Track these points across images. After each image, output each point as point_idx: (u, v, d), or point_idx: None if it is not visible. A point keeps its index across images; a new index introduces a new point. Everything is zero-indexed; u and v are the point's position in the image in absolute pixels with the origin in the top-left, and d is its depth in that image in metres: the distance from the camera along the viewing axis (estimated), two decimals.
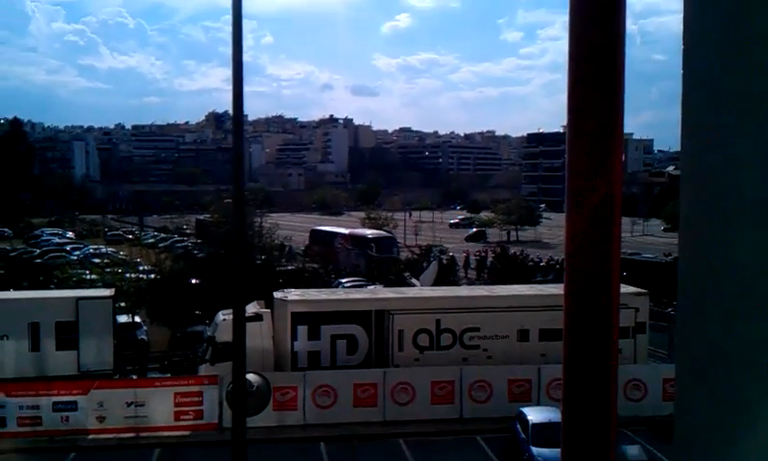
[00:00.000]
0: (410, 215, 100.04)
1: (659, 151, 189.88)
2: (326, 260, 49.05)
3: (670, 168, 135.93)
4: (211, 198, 45.51)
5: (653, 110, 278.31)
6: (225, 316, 23.52)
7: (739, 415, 1.40)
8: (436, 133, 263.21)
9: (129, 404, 22.06)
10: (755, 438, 1.37)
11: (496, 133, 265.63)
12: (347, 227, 71.99)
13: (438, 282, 37.20)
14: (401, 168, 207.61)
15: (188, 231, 62.73)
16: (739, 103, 1.40)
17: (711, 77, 1.46)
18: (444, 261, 50.52)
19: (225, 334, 22.69)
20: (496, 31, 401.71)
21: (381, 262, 49.23)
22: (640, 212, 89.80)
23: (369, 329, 24.50)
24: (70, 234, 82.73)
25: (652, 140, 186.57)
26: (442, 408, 23.28)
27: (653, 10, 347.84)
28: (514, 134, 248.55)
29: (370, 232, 64.65)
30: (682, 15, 1.52)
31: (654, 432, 20.58)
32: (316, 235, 66.92)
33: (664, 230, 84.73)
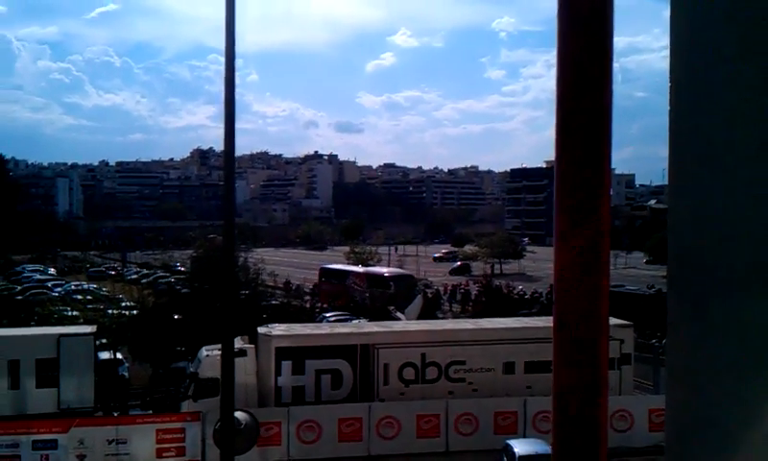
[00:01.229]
0: (396, 249, 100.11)
1: (640, 185, 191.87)
2: (339, 299, 47.42)
3: (652, 202, 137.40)
4: (196, 234, 45.41)
5: (634, 146, 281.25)
6: (208, 352, 23.36)
7: (730, 446, 1.43)
8: (420, 168, 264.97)
9: (110, 442, 21.74)
10: None
11: (480, 169, 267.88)
12: (341, 262, 71.69)
13: (424, 316, 37.15)
14: (385, 203, 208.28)
15: (180, 268, 62.02)
16: (726, 131, 1.45)
17: (698, 107, 1.51)
18: (429, 295, 50.47)
19: (208, 370, 22.56)
20: (479, 69, 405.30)
21: (402, 302, 44.78)
22: (623, 245, 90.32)
23: (354, 364, 24.39)
24: (52, 271, 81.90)
25: (634, 175, 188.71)
26: (427, 442, 23.13)
27: (634, 48, 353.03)
28: (497, 170, 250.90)
29: (386, 271, 61.03)
30: (668, 52, 1.58)
31: None
32: (326, 273, 63.24)
33: (647, 262, 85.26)
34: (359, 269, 61.90)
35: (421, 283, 57.12)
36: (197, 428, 22.01)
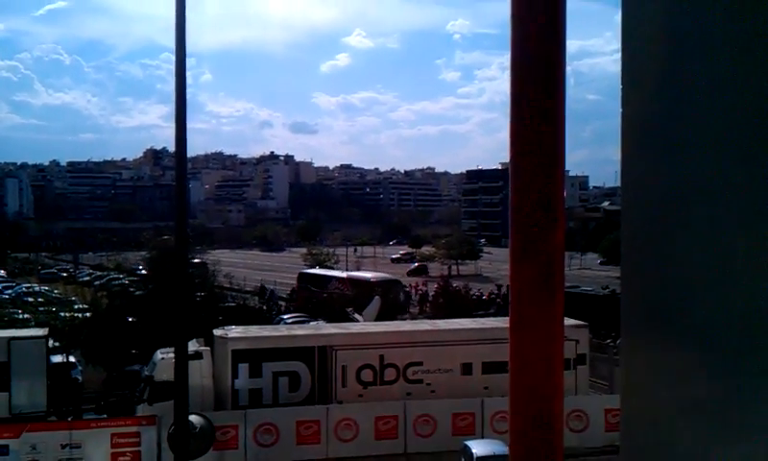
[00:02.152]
0: (355, 251, 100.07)
1: (594, 187, 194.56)
2: (321, 306, 45.07)
3: (605, 204, 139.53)
4: (150, 235, 44.70)
5: (588, 148, 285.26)
6: (163, 355, 23.05)
7: (685, 445, 1.45)
8: (377, 169, 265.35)
9: (63, 447, 21.32)
10: None
11: (436, 170, 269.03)
12: (299, 265, 71.18)
13: (385, 317, 37.16)
14: (342, 204, 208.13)
15: (137, 269, 60.70)
16: (677, 133, 1.48)
17: (649, 109, 1.54)
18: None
19: (163, 373, 22.24)
20: (435, 71, 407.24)
21: (390, 308, 42.53)
22: (577, 246, 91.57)
23: (311, 366, 24.29)
24: (2, 273, 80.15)
25: (587, 177, 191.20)
26: (386, 444, 23.14)
27: (586, 52, 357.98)
28: (453, 171, 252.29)
29: (372, 275, 57.91)
30: (619, 56, 1.60)
31: None
32: (305, 279, 60.04)
33: (601, 263, 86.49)
34: (342, 274, 59.18)
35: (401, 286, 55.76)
36: (152, 432, 21.72)
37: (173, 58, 10.72)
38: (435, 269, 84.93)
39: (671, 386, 1.47)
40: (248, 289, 55.79)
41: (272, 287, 57.68)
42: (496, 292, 56.06)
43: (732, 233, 1.34)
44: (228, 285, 48.83)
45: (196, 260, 65.57)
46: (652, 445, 1.53)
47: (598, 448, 22.02)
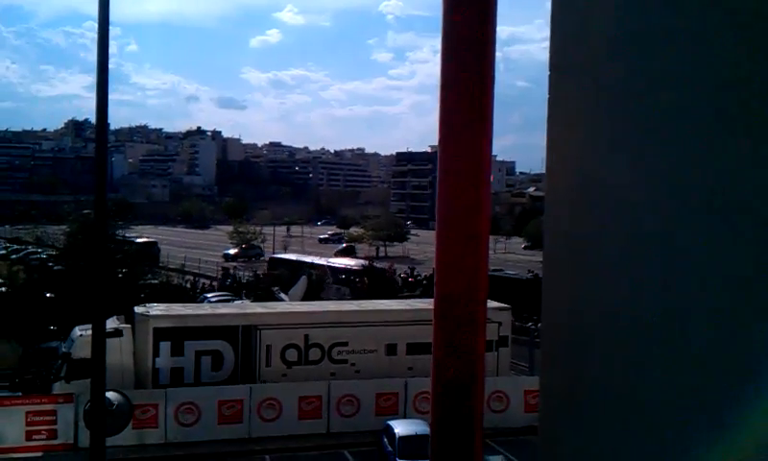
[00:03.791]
0: (288, 230, 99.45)
1: (520, 173, 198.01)
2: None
3: (531, 189, 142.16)
4: (70, 208, 43.31)
5: (515, 134, 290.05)
6: (81, 332, 22.49)
7: (603, 426, 1.49)
8: (306, 148, 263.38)
9: None
10: (617, 447, 1.46)
11: (366, 151, 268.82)
12: (225, 243, 70.00)
13: (308, 296, 37.07)
14: (271, 182, 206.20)
15: (53, 243, 58.34)
16: (600, 122, 1.50)
17: (575, 97, 1.56)
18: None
19: (81, 351, 21.69)
20: (367, 51, 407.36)
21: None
22: (503, 231, 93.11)
23: (235, 345, 24.10)
24: None
25: (514, 162, 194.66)
26: (309, 423, 23.18)
27: (517, 38, 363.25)
28: (383, 153, 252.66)
29: (354, 263, 52.90)
30: (548, 44, 1.62)
31: None
32: (276, 264, 54.31)
33: (525, 247, 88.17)
34: (320, 260, 53.47)
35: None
36: (69, 410, 21.24)
37: (97, 26, 10.38)
38: (363, 250, 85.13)
39: (589, 368, 1.51)
40: (171, 267, 54.81)
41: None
42: (422, 274, 56.43)
43: (647, 221, 1.37)
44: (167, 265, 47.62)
45: (144, 239, 64.08)
46: (570, 425, 1.56)
47: (518, 428, 22.53)
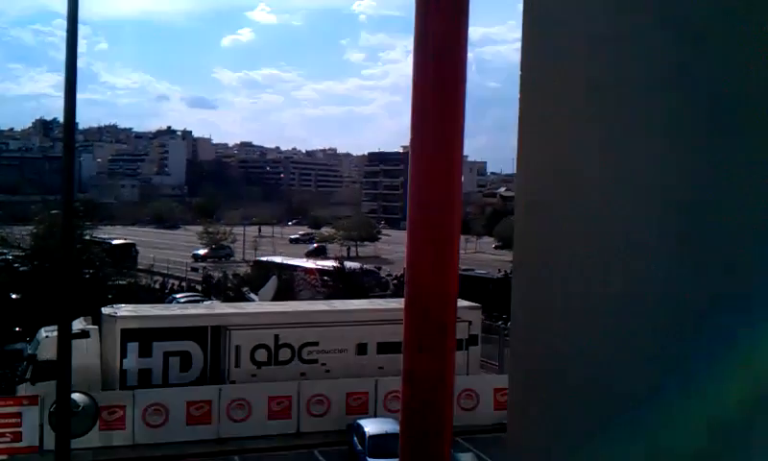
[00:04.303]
0: (259, 230, 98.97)
1: (491, 173, 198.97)
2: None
3: (502, 189, 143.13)
4: (38, 208, 42.60)
5: (487, 135, 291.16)
6: (47, 333, 22.19)
7: (570, 423, 1.51)
8: (278, 148, 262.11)
9: None
10: (586, 445, 1.47)
11: (338, 151, 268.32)
12: (195, 243, 69.38)
13: (278, 296, 36.88)
14: (242, 182, 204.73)
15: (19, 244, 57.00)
16: (571, 124, 1.52)
17: (546, 98, 1.58)
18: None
19: (47, 352, 21.39)
20: (339, 51, 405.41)
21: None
22: (474, 231, 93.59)
23: (204, 346, 23.95)
24: None
25: (485, 163, 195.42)
26: (278, 423, 23.09)
27: (489, 39, 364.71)
28: (355, 153, 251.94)
29: (347, 265, 48.56)
30: (519, 45, 1.63)
31: None
32: (262, 267, 51.49)
33: (496, 247, 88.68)
34: (308, 263, 51.56)
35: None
36: (35, 413, 20.94)
37: (66, 24, 10.26)
38: (334, 250, 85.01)
39: (558, 367, 1.52)
40: (140, 267, 54.25)
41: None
42: (393, 274, 56.46)
43: (618, 220, 1.39)
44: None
45: (120, 241, 63.14)
46: (539, 423, 1.58)
47: (488, 425, 22.66)
